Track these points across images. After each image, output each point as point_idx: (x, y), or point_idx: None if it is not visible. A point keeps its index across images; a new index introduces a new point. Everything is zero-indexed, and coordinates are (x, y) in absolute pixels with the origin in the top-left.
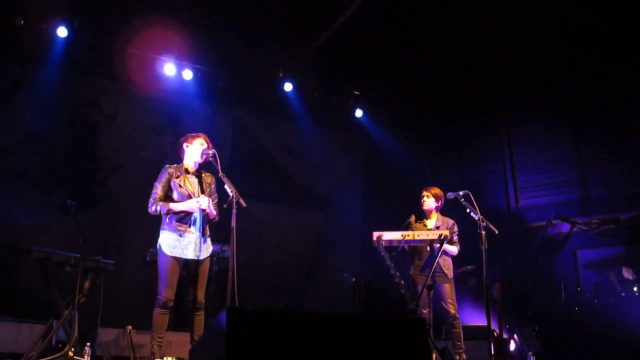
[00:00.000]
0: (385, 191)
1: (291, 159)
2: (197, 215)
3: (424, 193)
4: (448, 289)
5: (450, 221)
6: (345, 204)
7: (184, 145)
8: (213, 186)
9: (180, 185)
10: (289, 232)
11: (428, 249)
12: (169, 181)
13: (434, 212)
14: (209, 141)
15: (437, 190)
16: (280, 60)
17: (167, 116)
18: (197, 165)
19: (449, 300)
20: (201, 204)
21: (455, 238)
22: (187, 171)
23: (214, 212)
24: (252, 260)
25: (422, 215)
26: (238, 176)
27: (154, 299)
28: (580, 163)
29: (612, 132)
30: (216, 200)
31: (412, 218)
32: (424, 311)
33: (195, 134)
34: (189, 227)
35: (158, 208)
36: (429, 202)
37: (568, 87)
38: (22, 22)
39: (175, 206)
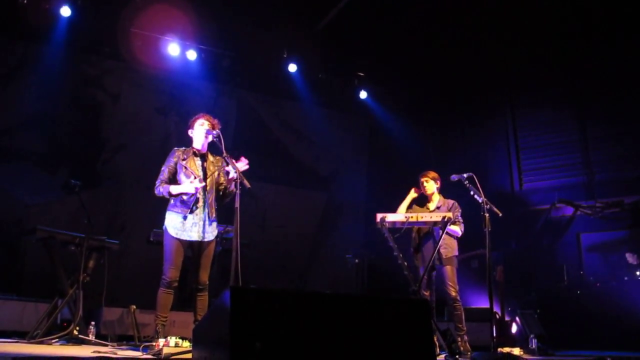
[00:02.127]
0: (389, 173)
1: (295, 140)
2: (201, 197)
3: (423, 180)
4: (449, 271)
5: (451, 202)
6: (348, 185)
7: (189, 132)
8: (222, 171)
9: (185, 167)
10: (292, 213)
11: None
12: (175, 164)
13: (435, 193)
14: (210, 119)
15: (433, 174)
16: (284, 40)
17: (171, 96)
18: (205, 146)
19: (450, 283)
20: (197, 185)
21: (460, 218)
22: (195, 153)
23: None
24: (255, 241)
25: (424, 200)
26: (242, 156)
27: (158, 278)
28: (585, 146)
29: (617, 116)
30: (224, 186)
31: (412, 192)
32: (426, 293)
33: (196, 117)
34: (194, 209)
35: (161, 190)
36: (430, 186)
37: (573, 71)
38: (25, 1)
39: (173, 188)
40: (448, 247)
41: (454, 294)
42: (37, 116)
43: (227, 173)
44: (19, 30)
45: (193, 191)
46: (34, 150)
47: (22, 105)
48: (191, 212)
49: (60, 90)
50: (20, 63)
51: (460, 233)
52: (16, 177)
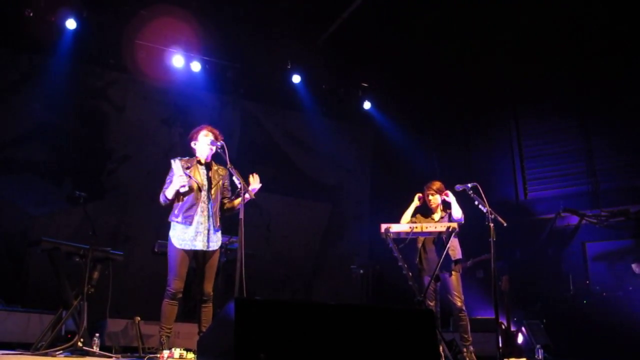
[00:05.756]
0: (393, 183)
1: (299, 151)
2: (206, 206)
3: (428, 192)
4: (455, 281)
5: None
6: (353, 195)
7: (192, 143)
8: (227, 181)
9: (189, 177)
10: (297, 224)
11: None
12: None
13: (440, 205)
14: (213, 130)
15: (438, 185)
16: (288, 51)
17: (175, 107)
18: (209, 157)
19: (455, 293)
20: (183, 180)
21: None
22: (199, 162)
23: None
24: (260, 251)
25: (429, 210)
26: (246, 167)
27: (162, 289)
28: (590, 155)
29: (622, 125)
30: (229, 195)
31: (417, 199)
32: (431, 303)
33: (198, 128)
34: (198, 218)
35: (162, 197)
36: (435, 199)
37: (577, 79)
38: (31, 14)
39: (168, 191)
40: (455, 249)
41: (459, 304)
42: (42, 127)
43: (232, 183)
44: (24, 43)
45: (185, 182)
46: (39, 162)
47: (27, 117)
48: (194, 221)
49: (66, 102)
50: (25, 75)
51: (461, 215)
52: (21, 188)
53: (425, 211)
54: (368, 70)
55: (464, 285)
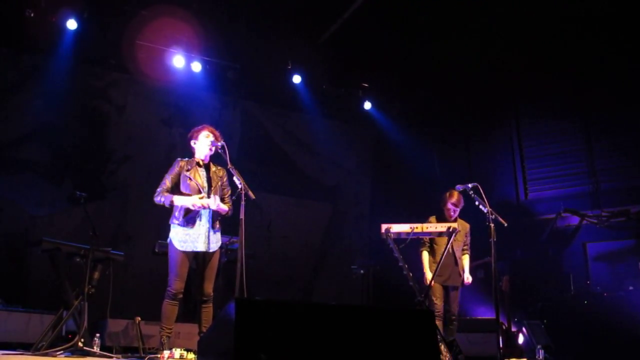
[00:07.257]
0: (393, 183)
1: (300, 151)
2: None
3: (452, 206)
4: (456, 293)
5: (467, 225)
6: (353, 195)
7: (192, 142)
8: (225, 180)
9: (190, 178)
10: (297, 224)
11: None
12: (179, 174)
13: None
14: (214, 131)
15: (459, 197)
16: (289, 51)
17: (176, 108)
18: (207, 158)
19: (455, 300)
20: (207, 204)
21: (468, 242)
22: (198, 164)
23: (225, 208)
24: (260, 252)
25: (444, 220)
26: (247, 168)
27: (163, 290)
28: (590, 155)
29: (623, 125)
30: (229, 194)
31: (433, 219)
32: (437, 302)
33: (199, 128)
34: (199, 220)
35: (162, 199)
36: (456, 212)
37: (578, 79)
38: (31, 14)
39: (177, 200)
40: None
41: (456, 310)
42: (43, 128)
43: (232, 184)
44: (25, 43)
45: (196, 208)
46: (40, 162)
47: (28, 117)
48: (195, 223)
49: (66, 102)
50: (26, 75)
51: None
52: (22, 189)
53: (439, 217)
54: (368, 70)
55: (464, 286)
